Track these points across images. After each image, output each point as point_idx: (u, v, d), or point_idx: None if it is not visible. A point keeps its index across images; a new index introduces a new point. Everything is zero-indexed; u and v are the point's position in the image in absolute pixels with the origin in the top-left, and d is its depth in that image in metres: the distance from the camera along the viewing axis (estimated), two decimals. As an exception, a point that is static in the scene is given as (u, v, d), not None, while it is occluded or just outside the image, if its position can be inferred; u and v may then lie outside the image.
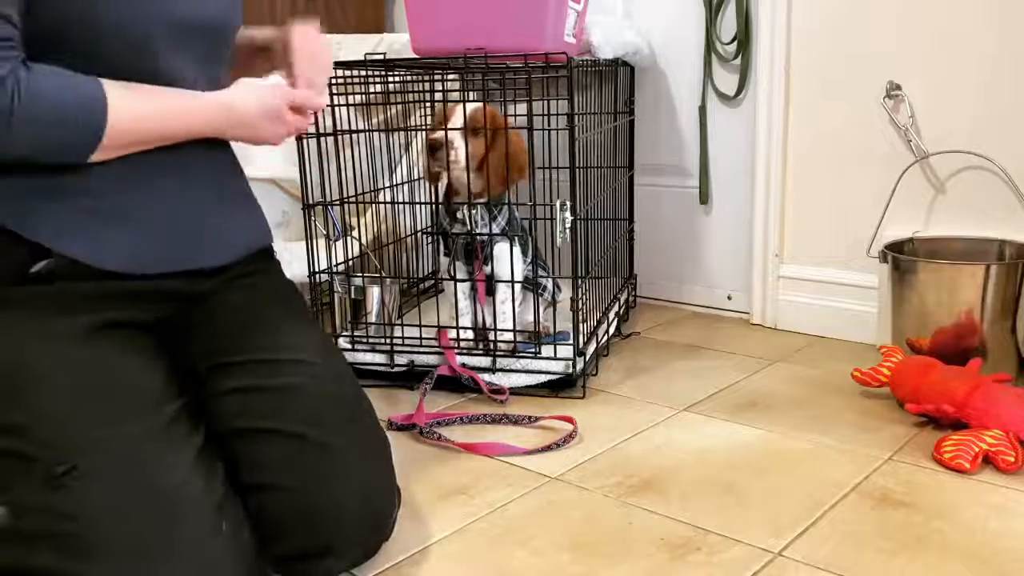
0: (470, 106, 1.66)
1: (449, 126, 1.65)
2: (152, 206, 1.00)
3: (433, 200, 1.91)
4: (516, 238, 1.74)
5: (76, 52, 0.92)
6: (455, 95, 2.23)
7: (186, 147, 1.02)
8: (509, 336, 1.73)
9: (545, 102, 1.66)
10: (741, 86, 2.11)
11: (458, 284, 1.78)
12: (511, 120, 1.73)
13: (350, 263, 1.83)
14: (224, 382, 1.04)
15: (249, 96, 1.06)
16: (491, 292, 1.77)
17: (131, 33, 0.94)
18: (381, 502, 1.08)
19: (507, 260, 1.72)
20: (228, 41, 1.12)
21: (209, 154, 1.07)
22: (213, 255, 1.07)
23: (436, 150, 1.63)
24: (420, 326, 1.81)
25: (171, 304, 1.06)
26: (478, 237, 1.71)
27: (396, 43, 2.14)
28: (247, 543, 0.97)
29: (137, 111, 0.95)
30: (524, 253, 1.77)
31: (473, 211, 1.70)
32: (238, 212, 1.13)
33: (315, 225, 1.76)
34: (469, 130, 1.65)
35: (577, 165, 1.63)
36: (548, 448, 1.44)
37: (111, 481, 0.88)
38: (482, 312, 1.80)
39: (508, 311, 1.74)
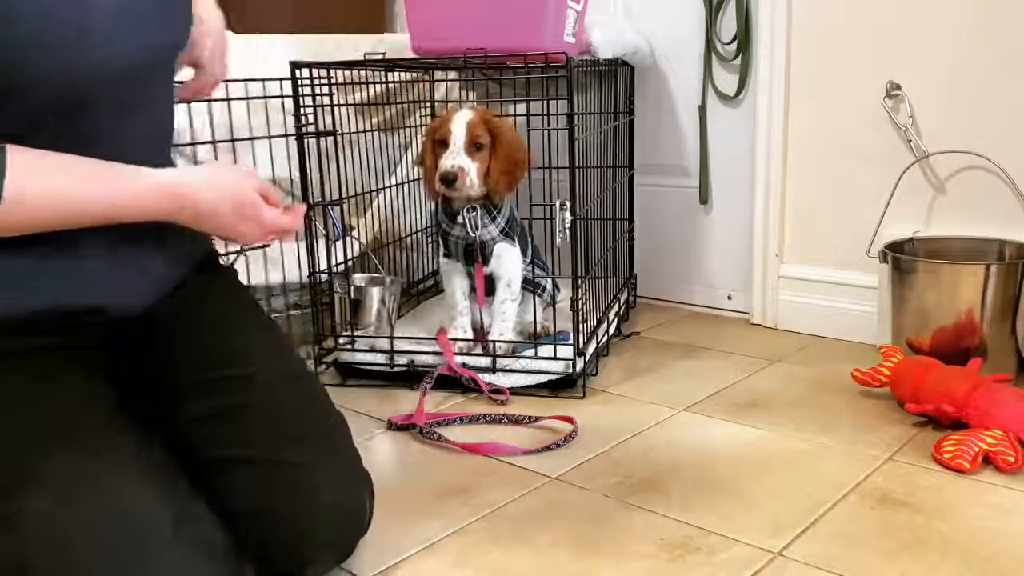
0: (464, 119, 1.64)
1: (452, 149, 1.63)
2: (64, 250, 0.92)
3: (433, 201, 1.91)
4: (516, 239, 1.74)
5: None
6: (455, 95, 2.23)
7: None
8: (508, 337, 1.73)
9: (545, 102, 1.66)
10: (741, 86, 2.11)
11: (457, 284, 1.78)
12: (508, 120, 1.73)
13: (350, 263, 1.83)
14: (176, 412, 1.00)
15: (217, 183, 0.93)
16: (490, 292, 1.77)
17: (69, 86, 0.85)
18: (353, 502, 1.06)
19: (507, 260, 1.72)
20: (172, 69, 1.05)
21: None
22: (133, 297, 1.00)
23: (453, 181, 1.62)
24: (416, 336, 1.81)
25: (108, 328, 1.00)
26: (478, 239, 1.70)
27: (396, 43, 2.14)
28: (214, 545, 0.93)
29: (50, 189, 0.84)
30: (524, 253, 1.77)
31: (473, 213, 1.70)
32: (165, 240, 1.02)
33: (315, 225, 1.76)
34: (472, 147, 1.64)
35: (577, 165, 1.63)
36: (548, 448, 1.43)
37: (55, 516, 0.83)
38: (481, 313, 1.80)
39: (507, 311, 1.74)
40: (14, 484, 0.84)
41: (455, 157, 1.63)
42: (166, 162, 1.06)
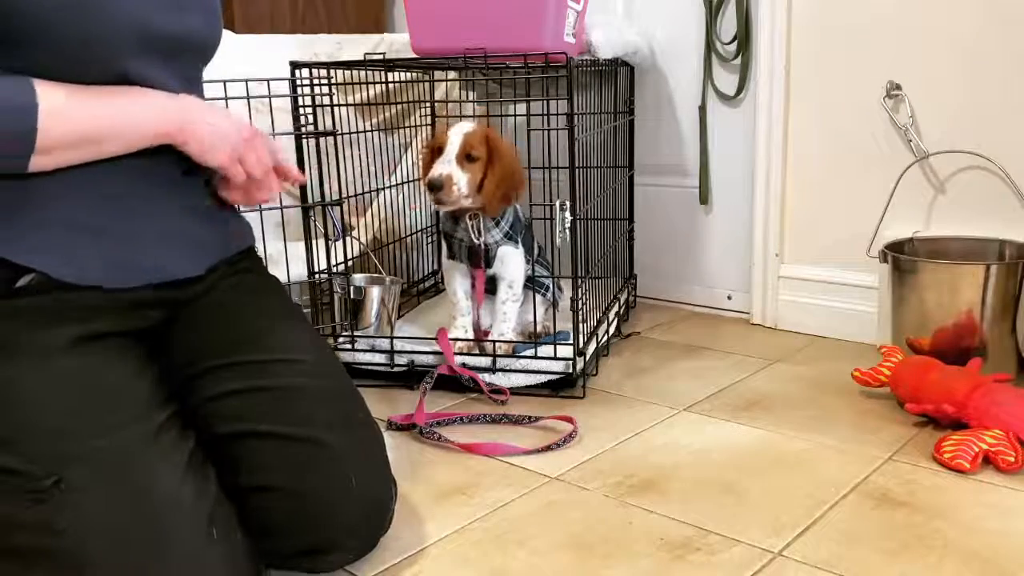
0: (462, 130, 1.65)
1: (444, 158, 1.63)
2: (124, 217, 0.98)
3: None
4: (519, 241, 1.74)
5: (27, 57, 0.89)
6: (455, 95, 2.23)
7: (155, 156, 1.00)
8: (509, 337, 1.73)
9: (545, 102, 1.66)
10: (741, 86, 2.11)
11: (459, 284, 1.78)
12: (509, 121, 1.73)
13: (350, 263, 1.83)
14: (217, 385, 1.03)
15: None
16: (492, 291, 1.77)
17: (96, 41, 0.91)
18: (380, 495, 1.08)
19: (510, 263, 1.72)
20: (207, 59, 1.11)
21: (178, 164, 1.05)
22: (190, 264, 1.06)
23: (438, 189, 1.62)
24: (416, 336, 1.81)
25: (160, 310, 1.05)
26: (481, 244, 1.70)
27: (396, 43, 2.14)
28: (239, 547, 0.96)
29: (74, 106, 0.90)
30: (529, 252, 1.76)
31: (474, 220, 1.70)
32: (212, 217, 1.11)
33: (315, 225, 1.76)
34: (464, 157, 1.63)
35: (577, 165, 1.63)
36: (548, 448, 1.43)
37: (99, 493, 0.87)
38: (479, 313, 1.80)
39: (509, 311, 1.74)
40: (59, 461, 0.87)
41: (444, 166, 1.63)
42: None
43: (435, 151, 1.67)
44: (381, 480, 1.09)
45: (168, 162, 1.02)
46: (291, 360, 1.07)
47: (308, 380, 1.06)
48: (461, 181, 1.63)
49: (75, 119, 0.90)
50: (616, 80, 2.09)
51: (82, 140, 0.92)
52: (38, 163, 0.89)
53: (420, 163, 1.76)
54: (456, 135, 1.64)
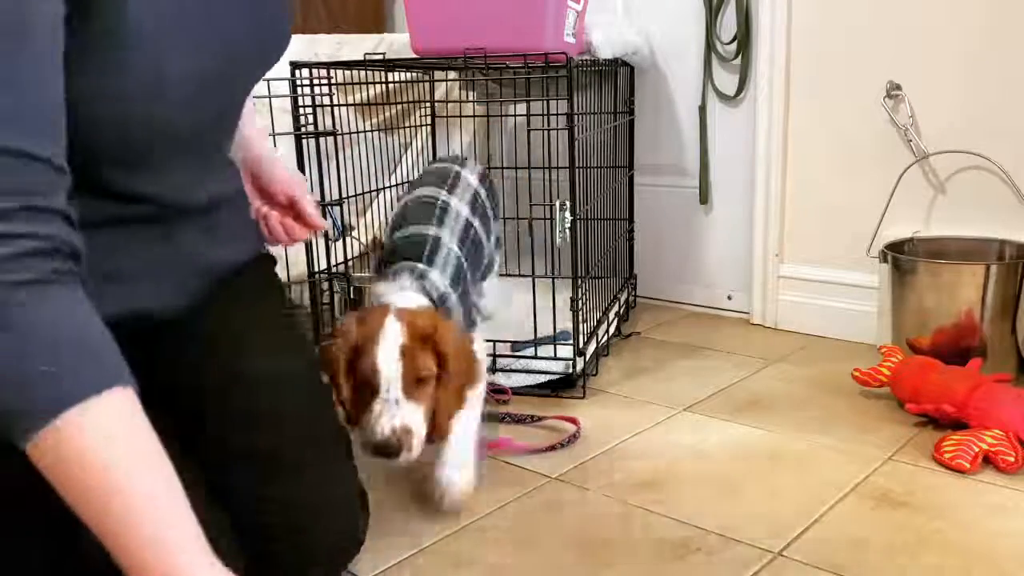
0: (395, 342, 1.08)
1: (384, 395, 1.07)
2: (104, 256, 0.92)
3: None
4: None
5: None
6: (455, 95, 2.23)
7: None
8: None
9: (544, 102, 1.66)
10: (741, 86, 2.11)
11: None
12: (509, 121, 1.73)
13: (350, 263, 1.83)
14: (198, 408, 1.00)
15: None
16: None
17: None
18: (348, 517, 1.05)
19: None
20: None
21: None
22: (174, 304, 1.02)
23: (394, 455, 1.07)
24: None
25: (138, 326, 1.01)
26: None
27: (396, 43, 2.14)
28: (225, 553, 0.94)
29: (114, 455, 0.72)
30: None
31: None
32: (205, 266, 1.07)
33: (315, 225, 1.75)
34: (415, 382, 1.09)
35: (577, 165, 1.63)
36: (551, 448, 1.43)
37: None
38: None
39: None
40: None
41: (391, 413, 1.07)
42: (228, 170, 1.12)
43: (355, 372, 1.10)
44: (348, 500, 1.05)
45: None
46: (260, 380, 1.02)
47: (276, 401, 1.02)
48: (420, 427, 1.09)
49: (104, 459, 0.71)
50: (616, 80, 2.09)
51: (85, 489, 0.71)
52: (32, 449, 0.69)
53: (332, 373, 1.13)
54: (390, 362, 1.07)
